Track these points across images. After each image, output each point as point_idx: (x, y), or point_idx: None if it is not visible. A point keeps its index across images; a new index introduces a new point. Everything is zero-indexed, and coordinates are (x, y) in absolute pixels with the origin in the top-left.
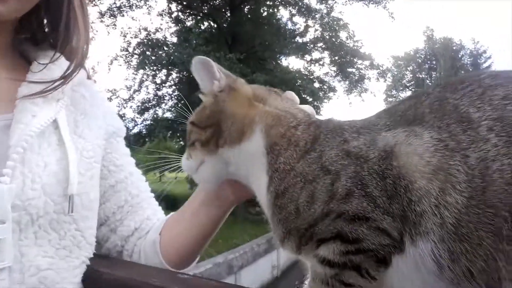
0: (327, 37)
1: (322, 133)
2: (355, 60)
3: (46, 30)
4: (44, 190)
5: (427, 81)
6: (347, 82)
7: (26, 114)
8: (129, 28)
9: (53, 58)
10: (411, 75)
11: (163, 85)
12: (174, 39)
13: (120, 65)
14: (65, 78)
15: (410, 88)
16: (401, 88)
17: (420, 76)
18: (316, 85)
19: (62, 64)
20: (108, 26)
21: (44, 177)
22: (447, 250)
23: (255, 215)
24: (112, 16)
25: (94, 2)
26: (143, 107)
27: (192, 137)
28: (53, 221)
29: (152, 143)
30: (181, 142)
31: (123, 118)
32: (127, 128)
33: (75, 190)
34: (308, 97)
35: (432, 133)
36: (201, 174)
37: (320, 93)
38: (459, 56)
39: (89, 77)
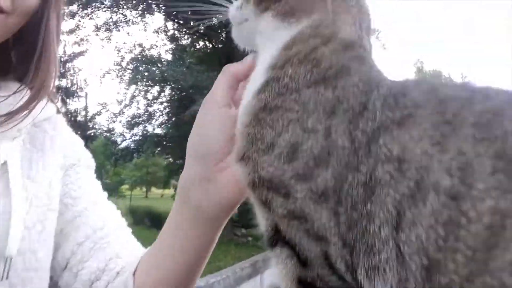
0: None
1: (353, 69)
2: None
3: (14, 61)
4: None
5: None
6: None
7: None
8: (124, 43)
9: (16, 90)
10: None
11: (155, 101)
12: (169, 57)
13: (113, 79)
14: (18, 112)
15: None
16: None
17: None
18: None
19: (23, 98)
20: (102, 40)
21: None
22: None
23: (240, 237)
24: (107, 30)
25: (90, 16)
26: (132, 122)
27: None
28: None
29: (140, 159)
30: (170, 159)
31: (112, 132)
32: (115, 142)
33: (15, 251)
34: None
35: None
36: (242, 30)
37: None
38: None
39: (58, 111)
